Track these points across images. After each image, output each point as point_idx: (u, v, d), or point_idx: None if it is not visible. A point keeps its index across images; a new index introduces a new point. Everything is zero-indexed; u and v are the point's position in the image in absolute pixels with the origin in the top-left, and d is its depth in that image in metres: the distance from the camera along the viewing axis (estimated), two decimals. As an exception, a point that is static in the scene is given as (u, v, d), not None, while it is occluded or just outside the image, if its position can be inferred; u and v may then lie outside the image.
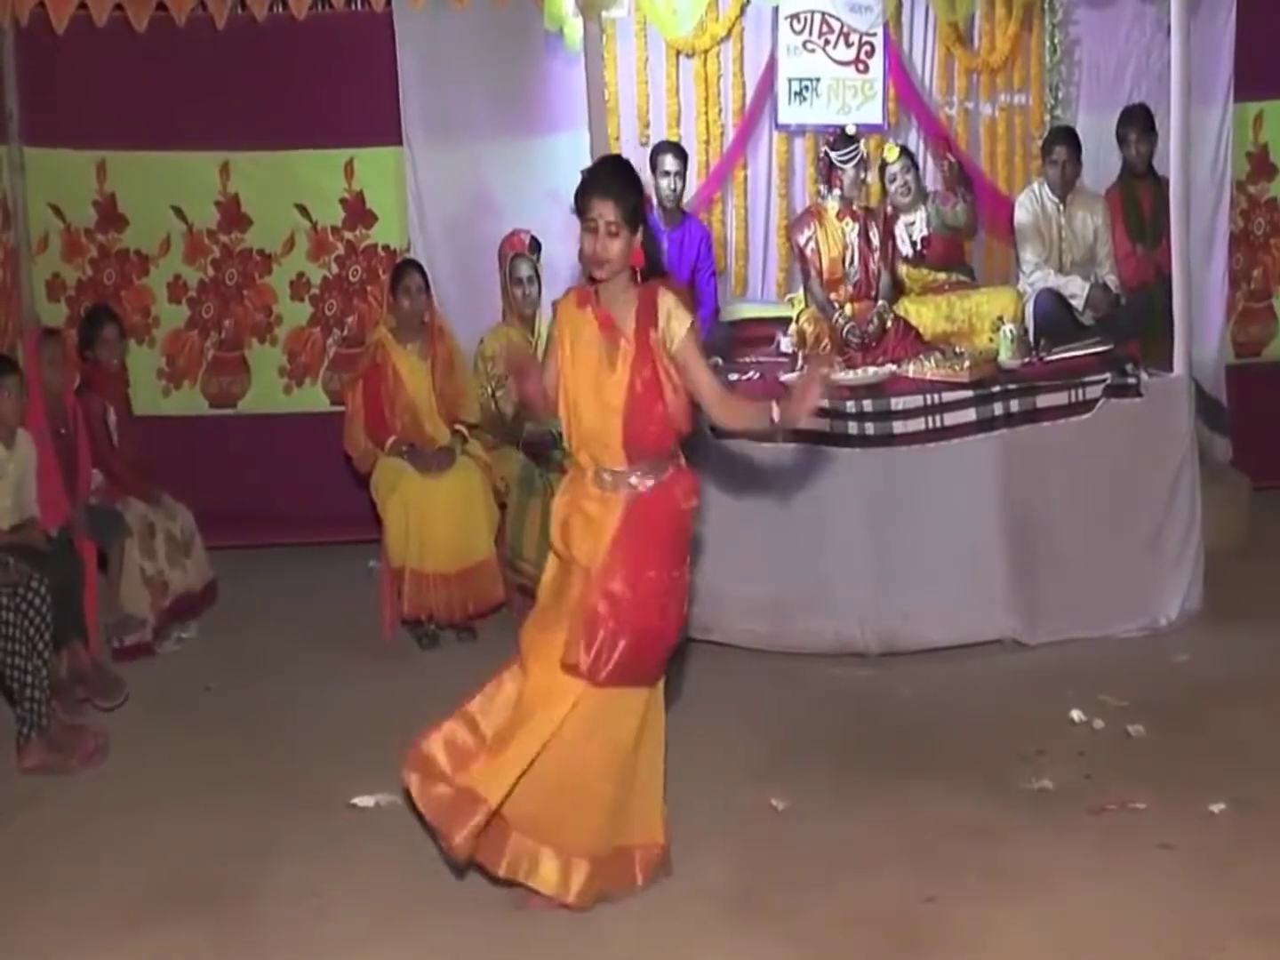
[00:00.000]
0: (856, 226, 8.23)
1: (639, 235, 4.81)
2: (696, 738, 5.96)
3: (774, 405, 4.79)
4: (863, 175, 8.29)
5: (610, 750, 4.89)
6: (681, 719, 5.55)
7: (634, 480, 4.89)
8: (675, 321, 4.81)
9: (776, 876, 5.14)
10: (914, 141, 9.55)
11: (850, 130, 8.41)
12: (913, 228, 8.87)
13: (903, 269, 8.71)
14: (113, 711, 6.94)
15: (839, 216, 8.24)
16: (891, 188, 8.80)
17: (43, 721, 6.40)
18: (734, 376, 7.51)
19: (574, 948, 4.77)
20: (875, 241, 8.26)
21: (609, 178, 4.87)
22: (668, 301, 4.83)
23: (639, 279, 4.87)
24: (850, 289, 8.22)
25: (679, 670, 5.92)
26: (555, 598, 5.08)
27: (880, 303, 8.14)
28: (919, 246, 8.84)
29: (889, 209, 8.67)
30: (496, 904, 5.07)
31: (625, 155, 8.81)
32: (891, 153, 8.80)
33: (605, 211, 4.73)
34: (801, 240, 8.32)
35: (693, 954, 4.75)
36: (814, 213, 8.40)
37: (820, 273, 8.25)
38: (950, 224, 8.86)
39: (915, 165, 9.04)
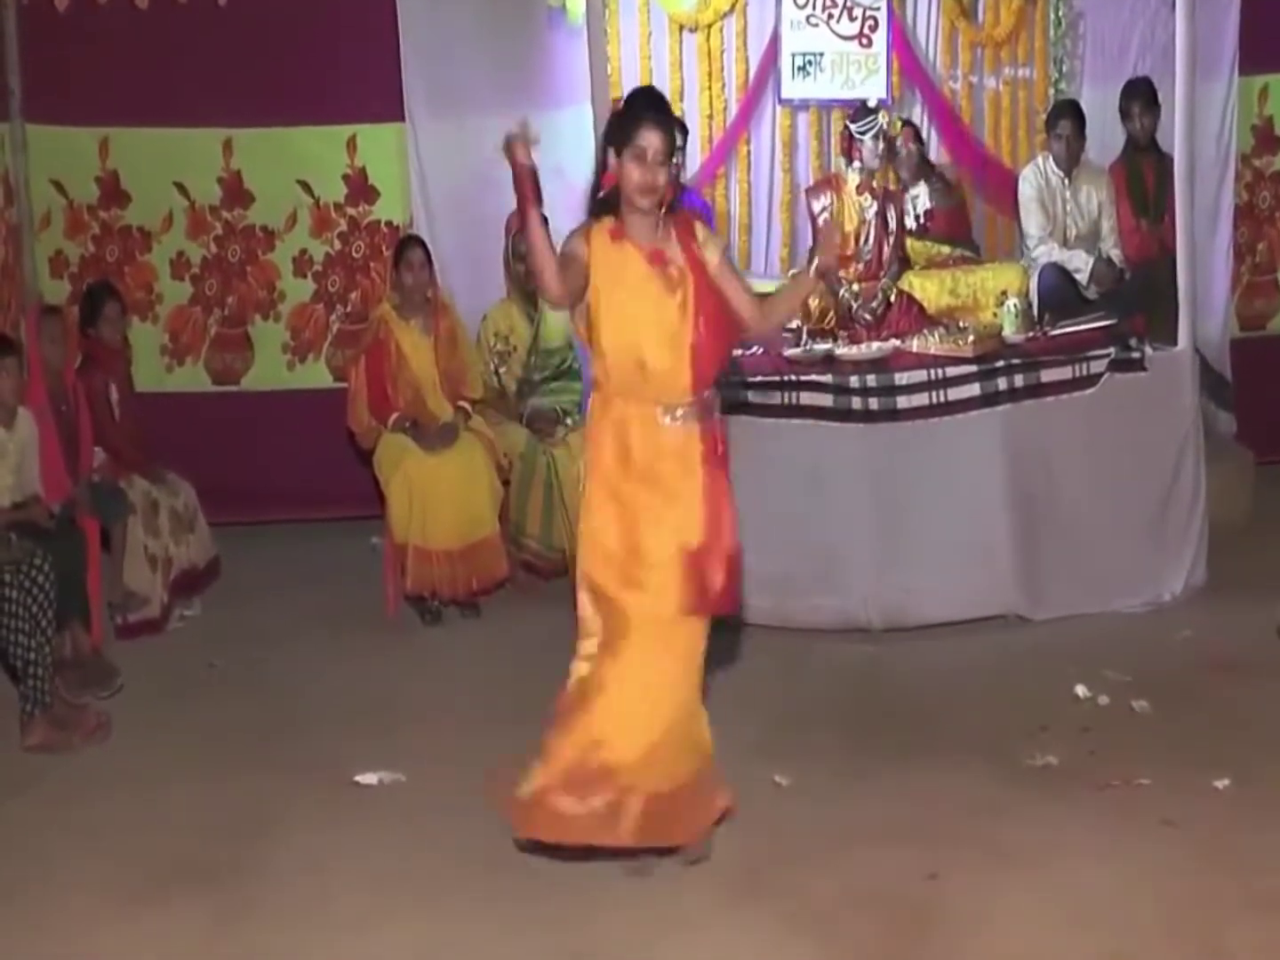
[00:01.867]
0: (875, 205, 8.18)
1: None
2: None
3: (804, 269, 5.09)
4: (881, 147, 8.23)
5: (697, 672, 5.08)
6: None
7: (699, 410, 4.88)
8: (710, 244, 4.94)
9: (779, 853, 5.14)
10: (919, 115, 9.53)
11: (871, 103, 8.37)
12: (916, 201, 8.86)
13: (907, 242, 8.69)
14: (111, 697, 6.92)
15: (859, 190, 8.19)
16: (902, 169, 8.78)
17: (46, 699, 6.40)
18: (736, 351, 7.49)
19: (577, 925, 4.77)
20: (892, 224, 8.22)
21: (656, 108, 4.87)
22: (702, 229, 4.98)
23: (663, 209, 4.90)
24: (860, 267, 8.19)
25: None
26: (633, 554, 4.89)
27: (884, 279, 8.12)
28: (922, 220, 8.83)
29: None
30: (499, 881, 5.08)
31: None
32: (894, 126, 8.78)
33: (654, 141, 4.74)
34: (817, 208, 8.25)
35: (696, 931, 4.74)
36: (834, 183, 8.33)
37: (814, 246, 8.21)
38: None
39: (920, 138, 9.02)
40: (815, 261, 5.00)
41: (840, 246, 8.17)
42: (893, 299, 8.05)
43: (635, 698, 4.87)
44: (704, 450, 4.87)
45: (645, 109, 4.84)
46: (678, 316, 4.79)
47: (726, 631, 6.45)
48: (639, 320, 4.80)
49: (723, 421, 5.01)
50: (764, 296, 5.31)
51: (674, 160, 4.87)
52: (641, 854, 4.99)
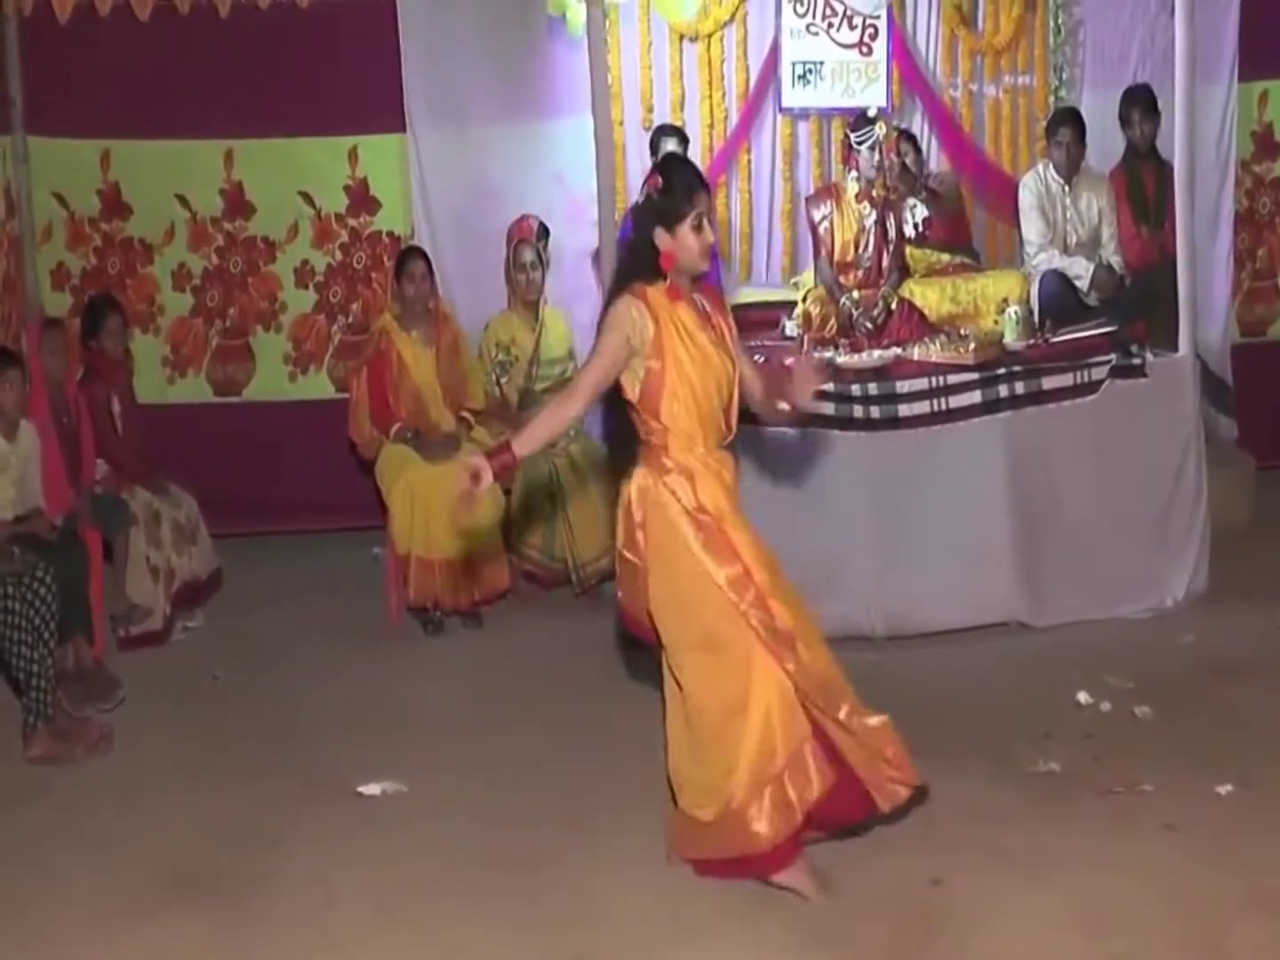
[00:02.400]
0: (874, 213, 8.19)
1: None
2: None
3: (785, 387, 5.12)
4: (878, 157, 8.23)
5: None
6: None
7: (730, 442, 5.07)
8: (730, 317, 5.12)
9: (783, 860, 5.15)
10: (919, 123, 9.55)
11: (870, 113, 8.38)
12: (915, 210, 8.86)
13: (906, 250, 8.69)
14: (113, 710, 6.92)
15: (858, 199, 8.20)
16: (885, 163, 8.80)
17: (49, 711, 6.41)
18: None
19: (581, 935, 4.77)
20: (892, 232, 8.22)
21: (699, 174, 5.03)
22: (723, 298, 5.21)
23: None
24: (860, 275, 8.20)
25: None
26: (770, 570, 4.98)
27: (884, 287, 8.12)
28: (920, 228, 8.83)
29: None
30: (502, 889, 5.08)
31: (627, 140, 8.93)
32: (889, 136, 8.80)
33: (707, 205, 4.87)
34: (817, 217, 8.28)
35: (701, 940, 4.74)
36: (834, 191, 8.36)
37: (830, 252, 8.23)
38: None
39: (917, 147, 9.03)
40: (790, 398, 5.12)
41: (840, 254, 8.19)
42: (893, 306, 8.05)
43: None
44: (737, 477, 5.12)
45: (692, 177, 4.96)
46: (725, 368, 4.95)
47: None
48: (714, 372, 4.90)
49: None
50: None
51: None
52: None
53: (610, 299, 4.94)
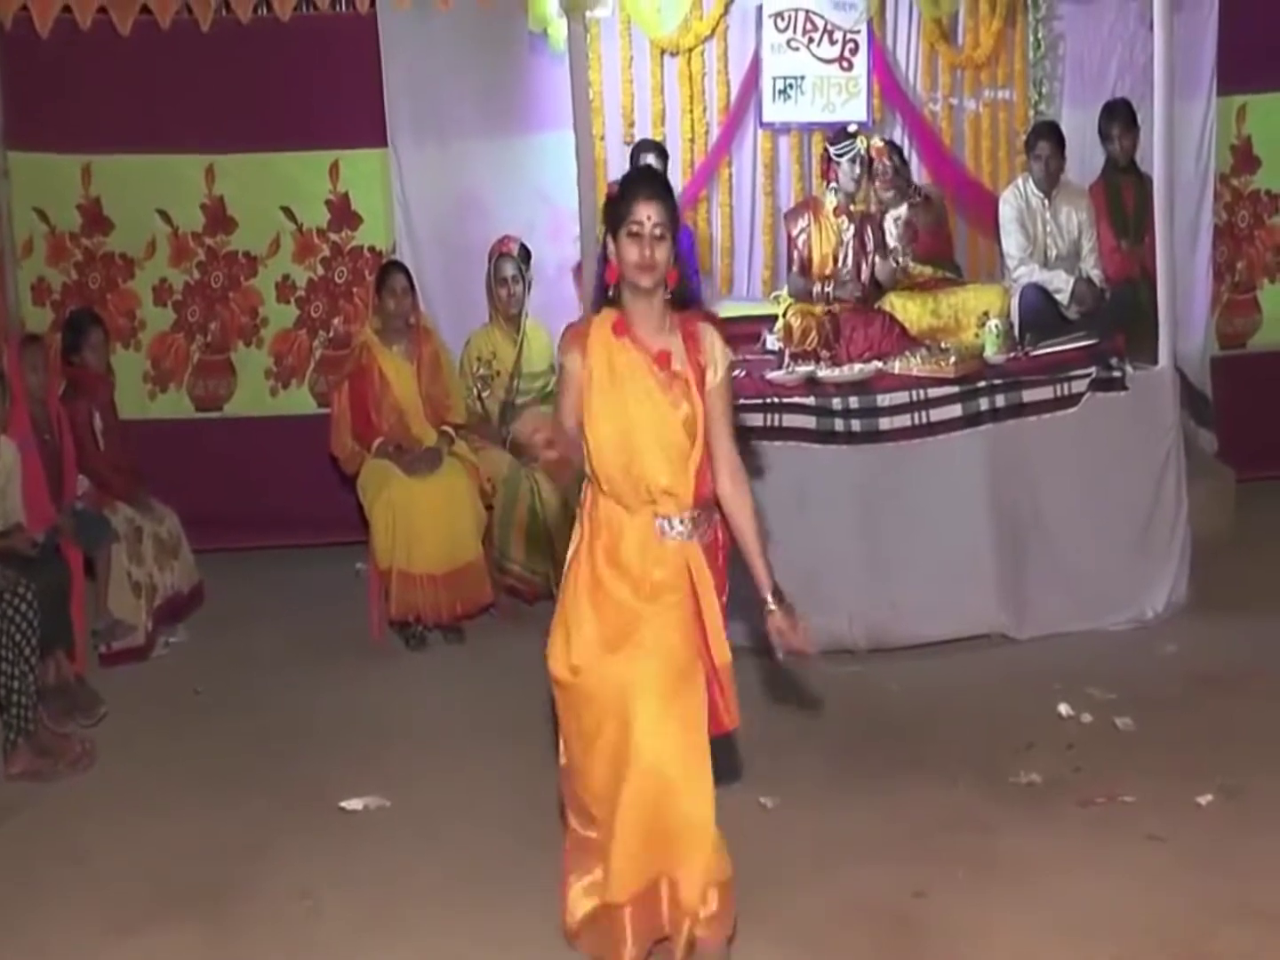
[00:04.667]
0: (852, 227, 8.21)
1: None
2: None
3: (769, 598, 4.51)
4: (858, 171, 8.25)
5: None
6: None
7: (701, 522, 4.43)
8: (719, 361, 4.40)
9: (767, 874, 5.13)
10: (899, 137, 9.57)
11: (851, 128, 8.41)
12: (899, 221, 8.88)
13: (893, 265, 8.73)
14: (95, 726, 6.90)
15: (835, 213, 8.22)
16: (877, 182, 8.81)
17: (30, 727, 6.39)
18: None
19: (564, 949, 4.76)
20: (870, 245, 8.24)
21: (650, 181, 4.48)
22: (712, 336, 4.42)
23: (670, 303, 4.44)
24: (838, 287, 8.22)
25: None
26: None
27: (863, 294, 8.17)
28: (903, 240, 8.84)
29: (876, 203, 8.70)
30: (487, 904, 5.08)
31: (609, 154, 8.93)
32: (872, 147, 8.82)
33: (652, 213, 4.30)
34: (795, 230, 8.29)
35: (685, 951, 4.75)
36: (812, 205, 8.37)
37: (808, 265, 8.24)
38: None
39: (903, 159, 9.05)
40: (772, 606, 4.51)
41: (819, 267, 8.21)
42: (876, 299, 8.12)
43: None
44: (701, 569, 4.41)
45: (637, 182, 4.47)
46: (682, 433, 4.33)
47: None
48: (638, 428, 4.33)
49: (721, 523, 4.50)
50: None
51: (675, 240, 4.37)
52: None
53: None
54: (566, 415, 4.41)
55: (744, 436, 5.91)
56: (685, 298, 4.52)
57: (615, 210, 4.38)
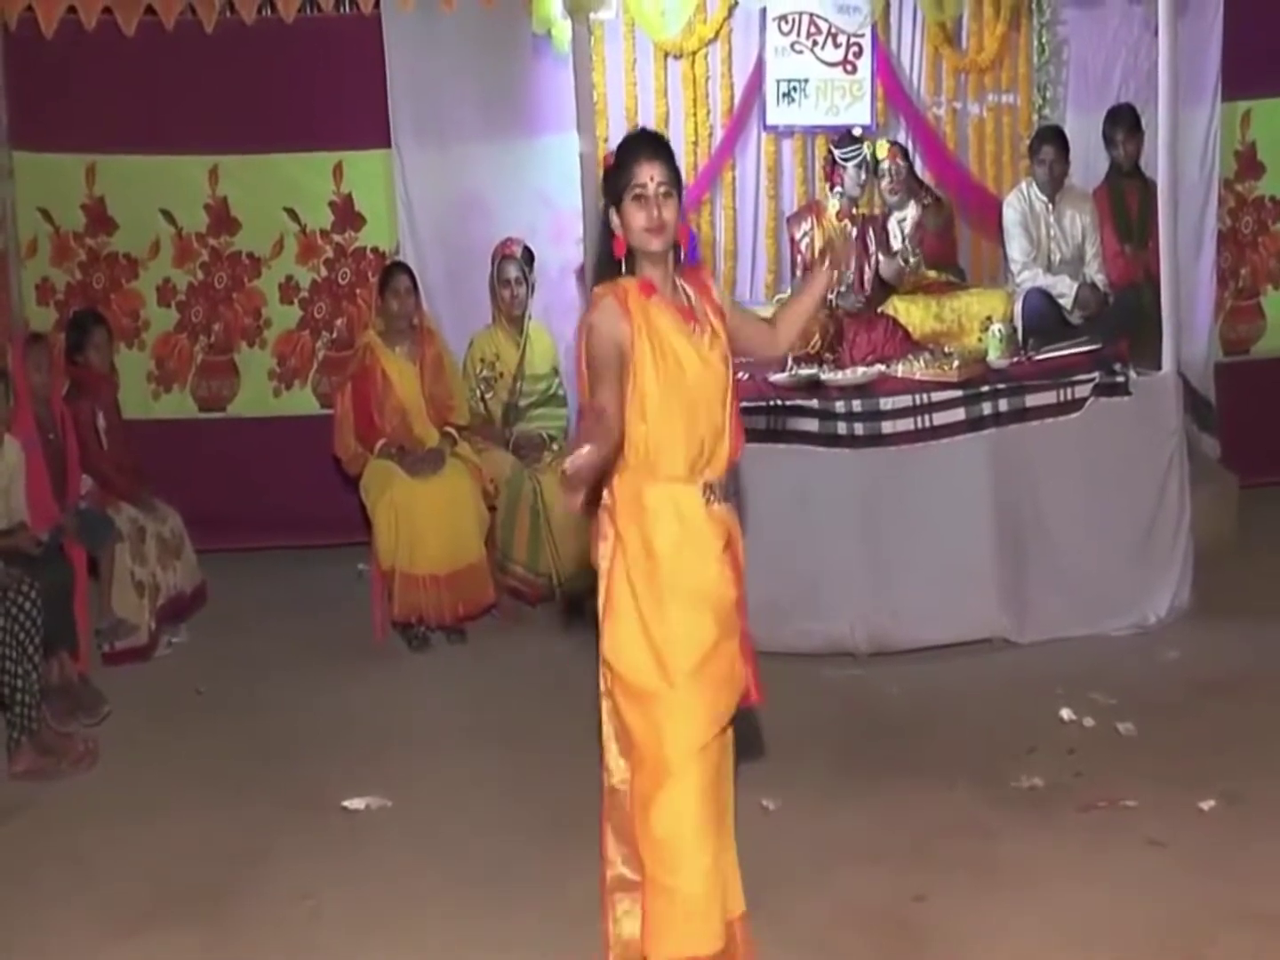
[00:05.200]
0: (855, 230, 8.22)
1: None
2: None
3: (810, 278, 4.59)
4: (863, 176, 8.27)
5: None
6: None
7: (730, 486, 4.38)
8: (727, 300, 4.44)
9: (768, 877, 5.12)
10: (903, 141, 9.55)
11: (857, 132, 8.43)
12: (904, 224, 8.88)
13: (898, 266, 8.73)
14: (98, 725, 6.90)
15: (839, 216, 8.23)
16: (882, 183, 8.82)
17: (33, 726, 6.40)
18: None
19: (568, 949, 4.76)
20: (872, 247, 8.25)
21: (649, 140, 4.30)
22: (706, 273, 4.50)
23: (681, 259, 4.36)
24: (843, 288, 8.22)
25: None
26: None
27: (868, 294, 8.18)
28: (908, 242, 8.85)
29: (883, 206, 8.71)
30: (490, 904, 5.08)
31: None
32: (882, 149, 8.83)
33: (655, 173, 4.14)
34: (798, 234, 8.31)
35: (684, 955, 4.74)
36: (814, 209, 8.40)
37: (810, 268, 8.24)
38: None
39: (909, 161, 9.04)
40: (824, 268, 4.54)
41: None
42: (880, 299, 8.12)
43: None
44: (735, 534, 4.32)
45: (636, 143, 4.29)
46: (723, 374, 4.24)
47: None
48: (693, 385, 4.17)
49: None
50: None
51: (681, 198, 4.24)
52: None
53: (592, 300, 4.30)
54: (610, 398, 4.02)
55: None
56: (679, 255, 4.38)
57: (615, 178, 4.21)
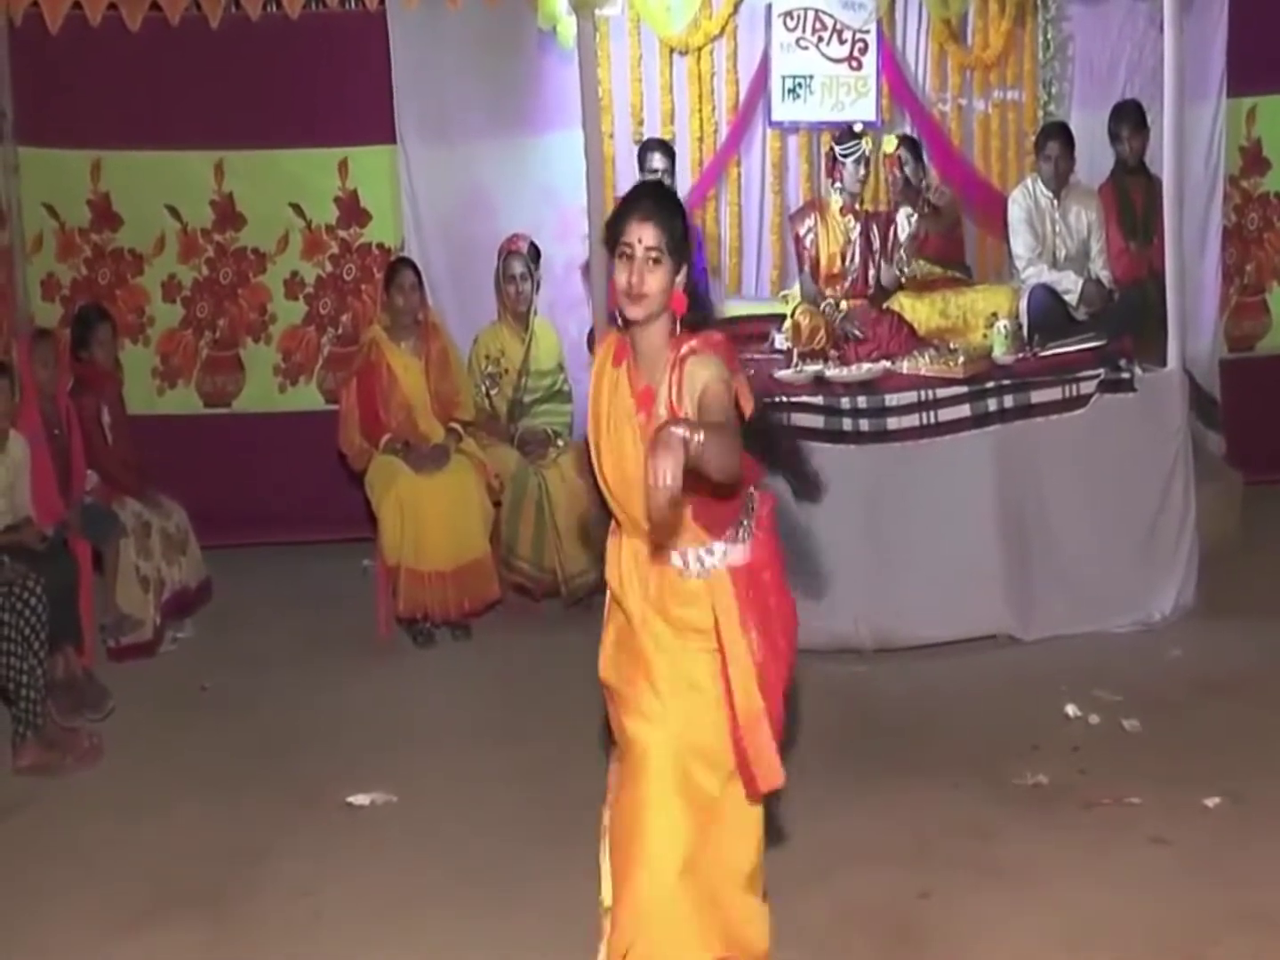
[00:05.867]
0: (859, 226, 8.22)
1: (683, 274, 3.93)
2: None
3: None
4: (863, 172, 8.27)
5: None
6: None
7: (725, 550, 4.02)
8: (698, 389, 3.82)
9: (771, 874, 5.10)
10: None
11: (857, 128, 8.43)
12: (912, 218, 8.88)
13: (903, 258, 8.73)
14: (102, 720, 6.91)
15: (842, 212, 8.23)
16: (887, 179, 8.81)
17: (38, 721, 6.41)
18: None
19: (570, 947, 4.76)
20: (876, 244, 8.25)
21: (648, 199, 3.98)
22: (696, 367, 3.85)
23: (678, 329, 3.95)
24: (847, 285, 8.22)
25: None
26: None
27: (872, 284, 8.16)
28: (916, 236, 8.85)
29: (890, 202, 8.72)
30: (493, 903, 5.08)
31: (617, 153, 8.90)
32: (890, 143, 8.84)
33: (644, 235, 3.85)
34: (801, 230, 8.32)
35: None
36: (817, 205, 8.41)
37: (816, 265, 8.26)
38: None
39: (918, 155, 9.04)
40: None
41: (826, 267, 8.21)
42: (881, 300, 8.11)
43: None
44: (738, 595, 3.99)
45: (633, 201, 4.00)
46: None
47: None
48: (627, 464, 3.95)
49: (769, 519, 4.14)
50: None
51: (680, 265, 3.92)
52: None
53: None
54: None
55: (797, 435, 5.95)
56: (699, 319, 3.99)
57: (611, 227, 3.98)
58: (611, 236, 3.96)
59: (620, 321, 4.00)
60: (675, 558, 4.01)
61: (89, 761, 6.44)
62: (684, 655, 4.02)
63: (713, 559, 4.00)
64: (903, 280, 8.40)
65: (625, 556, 4.09)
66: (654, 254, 3.87)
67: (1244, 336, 9.85)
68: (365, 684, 7.30)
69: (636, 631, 4.05)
